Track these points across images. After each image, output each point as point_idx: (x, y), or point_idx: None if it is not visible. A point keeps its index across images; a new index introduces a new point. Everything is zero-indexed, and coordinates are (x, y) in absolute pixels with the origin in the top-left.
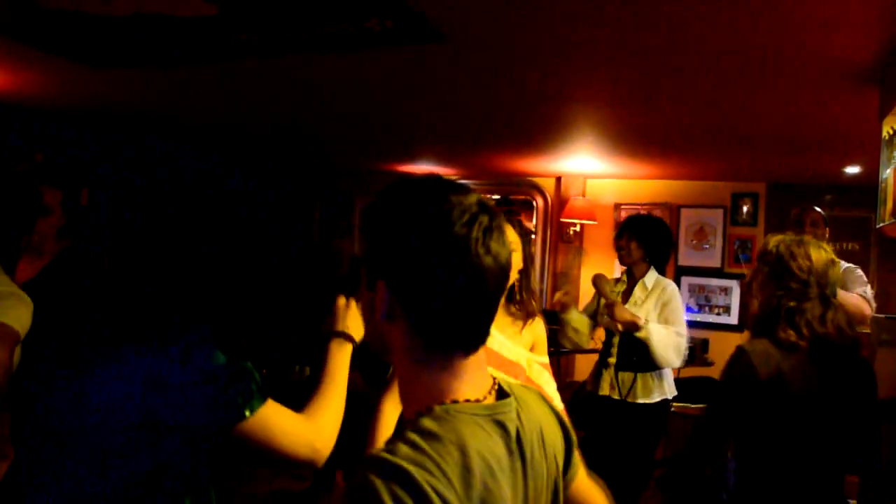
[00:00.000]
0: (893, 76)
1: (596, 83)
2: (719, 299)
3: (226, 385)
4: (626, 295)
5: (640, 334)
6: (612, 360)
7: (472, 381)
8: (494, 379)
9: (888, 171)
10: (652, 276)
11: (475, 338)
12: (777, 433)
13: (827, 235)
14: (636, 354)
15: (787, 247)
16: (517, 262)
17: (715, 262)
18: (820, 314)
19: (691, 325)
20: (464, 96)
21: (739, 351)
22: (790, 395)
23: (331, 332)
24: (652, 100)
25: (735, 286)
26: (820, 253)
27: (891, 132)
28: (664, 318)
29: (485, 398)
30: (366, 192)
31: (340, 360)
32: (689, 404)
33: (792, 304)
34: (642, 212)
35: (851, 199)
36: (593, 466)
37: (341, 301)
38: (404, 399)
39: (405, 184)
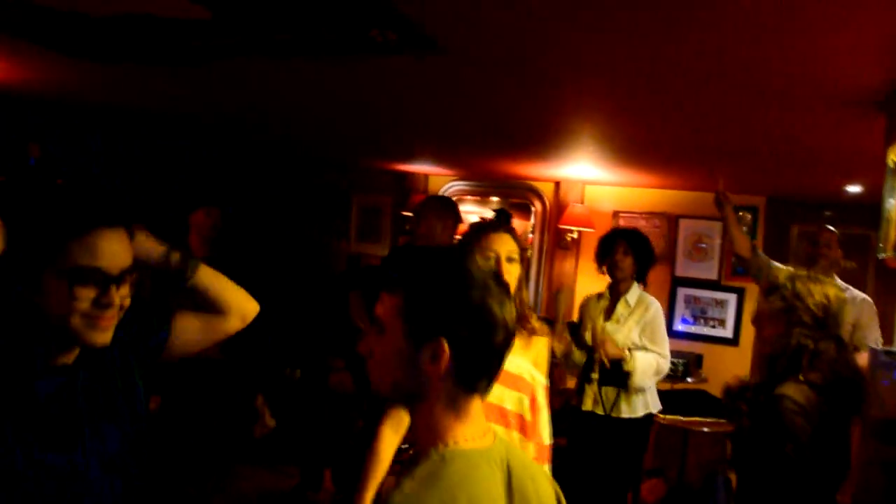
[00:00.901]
0: None
1: (596, 100)
2: (715, 312)
3: None
4: (609, 312)
5: (626, 367)
6: (595, 375)
7: (477, 423)
8: (492, 428)
9: (892, 200)
10: (635, 293)
11: (491, 381)
12: (791, 466)
13: (841, 256)
14: (618, 371)
15: (804, 283)
16: (517, 273)
17: (712, 274)
18: (836, 355)
19: (685, 336)
20: (463, 105)
21: (785, 400)
22: (812, 428)
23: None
24: (654, 117)
25: (732, 299)
26: (835, 291)
27: None
28: (648, 337)
29: (485, 438)
30: (363, 190)
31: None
32: (680, 417)
33: (810, 344)
34: (641, 220)
35: (851, 216)
36: (579, 479)
37: None
38: (421, 435)
39: (443, 255)
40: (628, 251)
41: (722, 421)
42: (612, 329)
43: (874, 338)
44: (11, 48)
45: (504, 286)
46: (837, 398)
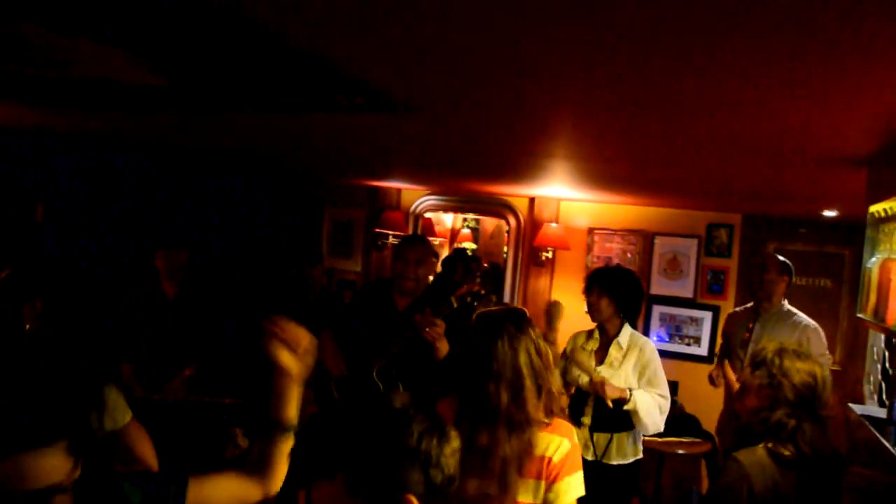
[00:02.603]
0: (880, 168)
1: (570, 146)
2: (690, 329)
3: None
4: (601, 354)
5: (627, 406)
6: (587, 420)
7: None
8: None
9: (872, 259)
10: (626, 334)
11: None
12: None
13: (782, 281)
14: (612, 415)
15: (792, 361)
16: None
17: (687, 292)
18: (819, 434)
19: (659, 354)
20: (435, 147)
21: (734, 463)
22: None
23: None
24: (633, 162)
25: (707, 317)
26: (822, 370)
27: (878, 216)
28: (646, 380)
29: None
30: (335, 203)
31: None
32: (655, 438)
33: (793, 422)
34: (616, 237)
35: (826, 234)
36: None
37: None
38: None
39: None
40: (602, 293)
41: (697, 440)
42: (607, 374)
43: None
44: None
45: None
46: (816, 476)
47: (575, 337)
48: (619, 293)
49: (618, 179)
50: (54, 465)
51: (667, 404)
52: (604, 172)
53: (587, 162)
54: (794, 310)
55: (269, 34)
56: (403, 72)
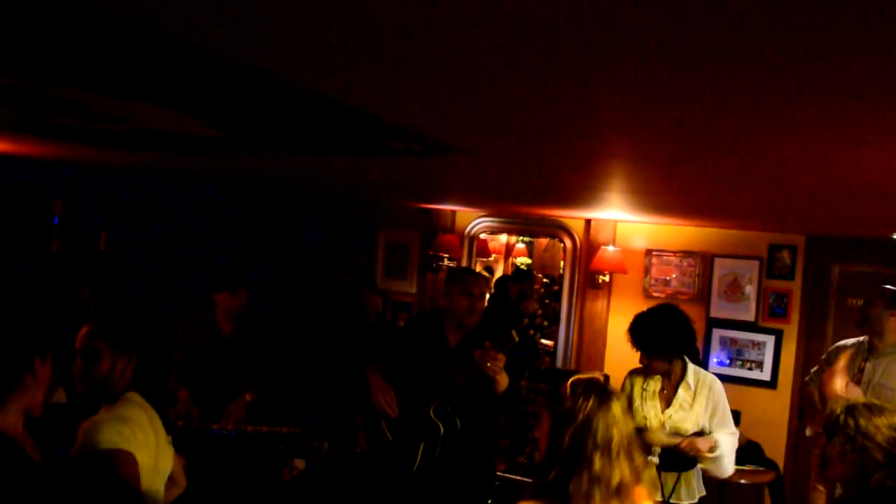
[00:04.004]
0: None
1: (629, 185)
2: (752, 354)
3: None
4: (668, 395)
5: (715, 454)
6: (655, 459)
7: None
8: None
9: None
10: (691, 372)
11: None
12: None
13: (893, 315)
14: (680, 453)
15: (868, 419)
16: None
17: (748, 315)
18: None
19: (720, 379)
20: (489, 181)
21: None
22: None
23: None
24: (693, 196)
25: (769, 341)
26: None
27: None
28: (717, 419)
29: None
30: (389, 225)
31: None
32: None
33: (889, 483)
34: (675, 259)
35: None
36: None
37: None
38: None
39: None
40: (652, 357)
41: (760, 469)
42: (678, 417)
43: None
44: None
45: None
46: None
47: (633, 377)
48: (667, 348)
49: (676, 206)
50: None
51: (737, 440)
52: (663, 201)
53: (646, 195)
54: None
55: (328, 100)
56: (460, 128)
